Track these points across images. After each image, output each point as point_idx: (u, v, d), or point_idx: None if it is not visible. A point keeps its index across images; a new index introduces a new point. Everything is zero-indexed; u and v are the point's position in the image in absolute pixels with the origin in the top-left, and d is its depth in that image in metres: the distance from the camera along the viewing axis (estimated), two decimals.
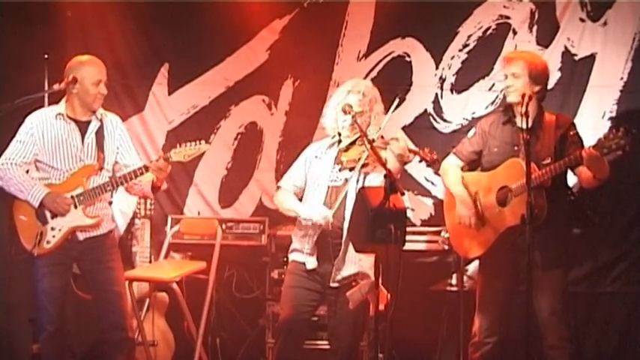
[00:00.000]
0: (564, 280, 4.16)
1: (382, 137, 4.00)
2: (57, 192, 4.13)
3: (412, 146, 3.94)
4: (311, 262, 4.07)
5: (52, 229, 4.13)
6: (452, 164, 4.34)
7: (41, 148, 4.17)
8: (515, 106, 4.12)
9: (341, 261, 4.03)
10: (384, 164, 3.73)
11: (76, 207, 4.13)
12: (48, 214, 4.13)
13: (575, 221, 4.22)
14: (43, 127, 4.19)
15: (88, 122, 4.24)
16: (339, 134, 4.14)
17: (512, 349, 4.25)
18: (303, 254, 4.10)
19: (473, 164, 4.33)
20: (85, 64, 4.20)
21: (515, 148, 4.11)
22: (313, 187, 4.14)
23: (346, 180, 4.05)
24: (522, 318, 3.89)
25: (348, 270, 4.03)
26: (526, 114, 3.88)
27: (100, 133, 4.23)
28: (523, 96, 3.96)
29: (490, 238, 4.15)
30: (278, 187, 4.28)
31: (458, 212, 4.22)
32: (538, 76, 4.10)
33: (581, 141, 4.09)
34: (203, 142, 4.14)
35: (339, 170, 4.10)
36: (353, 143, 4.10)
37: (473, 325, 4.31)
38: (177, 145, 4.10)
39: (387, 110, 4.06)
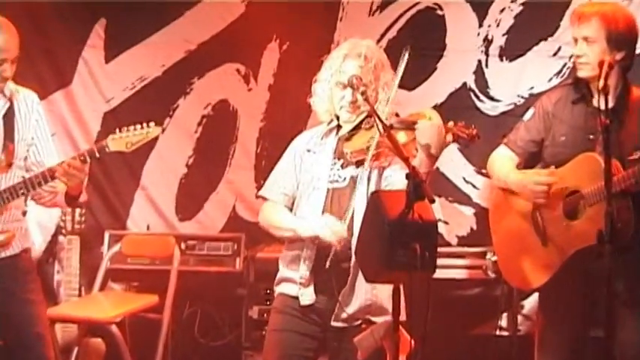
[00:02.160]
0: None
1: (397, 115, 3.98)
2: None
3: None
4: (307, 296, 4.06)
5: None
6: (503, 156, 4.34)
7: None
8: (591, 81, 4.12)
9: (348, 293, 4.02)
10: (406, 159, 3.71)
11: None
12: None
13: None
14: None
15: None
16: (337, 118, 4.13)
17: None
18: (295, 285, 4.10)
19: (531, 159, 4.32)
20: None
21: (591, 137, 4.10)
22: (307, 192, 4.12)
23: (353, 179, 4.04)
24: None
25: (357, 304, 4.04)
26: (605, 90, 3.86)
27: (9, 117, 4.20)
28: (601, 65, 3.95)
29: (555, 262, 4.14)
30: (262, 199, 4.26)
31: (528, 193, 4.20)
32: (621, 38, 4.09)
33: None
34: (152, 124, 4.12)
35: (342, 166, 4.07)
36: (357, 128, 4.08)
37: None
38: (117, 130, 4.08)
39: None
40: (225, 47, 5.70)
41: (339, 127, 4.13)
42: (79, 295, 5.38)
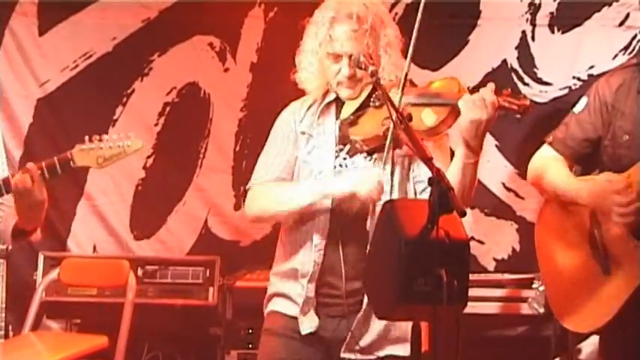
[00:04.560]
0: None
1: (413, 84, 3.99)
2: None
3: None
4: (308, 323, 4.10)
5: None
6: (552, 159, 4.36)
7: None
8: None
9: (364, 320, 4.07)
10: (429, 159, 3.73)
11: None
12: None
13: None
14: None
15: None
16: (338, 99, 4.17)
17: None
18: (293, 304, 4.13)
19: (585, 162, 4.35)
20: None
21: None
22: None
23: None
24: None
25: (373, 332, 4.10)
26: None
27: None
28: None
29: (620, 295, 4.18)
30: (247, 190, 4.28)
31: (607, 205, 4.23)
32: None
33: None
34: (132, 134, 4.08)
35: (349, 154, 4.11)
36: (364, 106, 4.10)
37: None
38: (86, 139, 4.05)
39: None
40: (194, 15, 5.75)
41: (337, 100, 4.15)
42: (6, 337, 5.41)
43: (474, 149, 3.86)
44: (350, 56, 3.97)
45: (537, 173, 4.38)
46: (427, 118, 3.82)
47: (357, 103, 4.07)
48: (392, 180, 4.04)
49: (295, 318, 4.08)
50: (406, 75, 3.84)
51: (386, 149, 3.95)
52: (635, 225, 4.13)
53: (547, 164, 4.36)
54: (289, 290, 4.11)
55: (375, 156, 4.01)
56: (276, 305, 4.15)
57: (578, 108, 4.30)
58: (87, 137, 3.99)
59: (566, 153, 4.31)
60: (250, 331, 5.05)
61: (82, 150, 4.03)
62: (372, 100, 4.03)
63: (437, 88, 3.95)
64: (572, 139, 4.31)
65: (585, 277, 4.26)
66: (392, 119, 3.87)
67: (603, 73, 4.89)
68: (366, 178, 3.93)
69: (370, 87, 4.02)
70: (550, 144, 4.35)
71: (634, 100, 4.15)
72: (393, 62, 4.01)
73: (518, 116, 3.83)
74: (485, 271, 5.46)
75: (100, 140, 4.03)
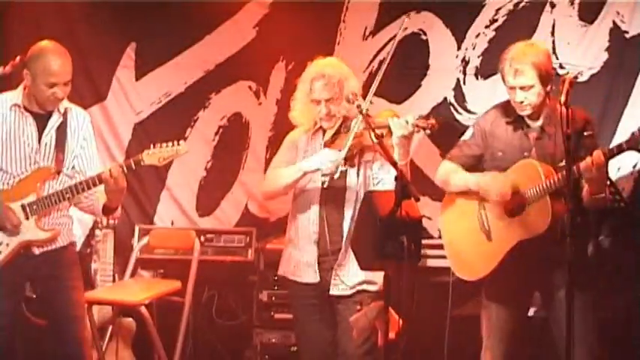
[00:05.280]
0: (593, 304, 4.13)
1: (369, 116, 4.01)
2: (6, 198, 4.09)
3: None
4: (314, 275, 4.21)
5: (0, 243, 4.11)
6: (451, 169, 4.32)
7: None
8: (530, 116, 4.15)
9: (346, 268, 4.15)
10: (395, 163, 3.73)
11: (27, 218, 4.10)
12: None
13: (604, 230, 4.25)
14: None
15: (49, 116, 4.16)
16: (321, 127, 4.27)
17: None
18: (302, 263, 4.21)
19: (471, 170, 4.30)
20: (45, 54, 4.04)
21: (526, 154, 4.11)
22: (304, 183, 4.22)
23: (342, 173, 4.16)
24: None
25: (352, 277, 4.16)
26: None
27: (61, 131, 4.16)
28: (571, 84, 3.90)
29: (497, 255, 4.14)
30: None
31: (489, 193, 4.17)
32: (548, 74, 4.10)
33: (595, 145, 4.02)
34: (182, 142, 4.11)
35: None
36: (338, 132, 4.19)
37: None
38: (151, 146, 4.07)
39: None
40: (239, 67, 5.71)
41: (321, 128, 4.22)
42: (113, 281, 5.40)
43: (403, 155, 3.97)
44: (327, 100, 4.10)
45: (444, 178, 4.36)
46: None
47: (333, 130, 4.20)
48: (358, 176, 4.17)
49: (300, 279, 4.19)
50: (367, 109, 3.95)
51: (344, 151, 4.04)
52: (509, 206, 4.12)
53: (450, 171, 4.33)
54: (297, 251, 4.17)
55: (348, 164, 4.14)
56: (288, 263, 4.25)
57: (466, 136, 4.33)
58: (152, 144, 4.07)
59: (460, 164, 4.29)
60: (275, 277, 5.01)
61: (148, 154, 4.10)
62: (342, 128, 4.17)
63: (381, 116, 4.01)
64: (464, 156, 4.31)
65: (473, 243, 4.25)
66: (371, 138, 3.91)
67: None
68: (324, 158, 4.06)
69: (340, 120, 4.17)
70: (450, 159, 4.34)
71: (504, 128, 4.17)
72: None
73: (429, 132, 3.92)
74: (432, 238, 5.40)
75: (160, 146, 4.08)
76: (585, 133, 4.09)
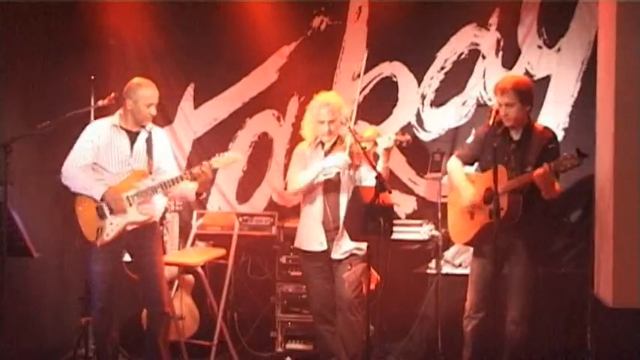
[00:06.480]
0: (535, 267, 4.17)
1: (356, 133, 4.04)
2: (115, 191, 4.19)
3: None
4: (320, 245, 4.26)
5: (111, 223, 4.20)
6: (456, 166, 4.37)
7: (97, 153, 4.24)
8: (510, 127, 4.16)
9: (342, 240, 4.18)
10: (374, 167, 3.76)
11: (130, 205, 4.21)
12: (107, 211, 4.19)
13: (549, 219, 4.31)
14: (100, 135, 4.26)
15: (138, 133, 4.31)
16: (322, 142, 4.29)
17: (501, 324, 4.17)
18: (311, 237, 4.26)
19: (471, 164, 4.39)
20: (142, 86, 4.25)
21: (506, 158, 4.13)
22: (315, 181, 4.27)
23: (337, 173, 4.18)
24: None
25: (346, 245, 4.19)
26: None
27: (149, 142, 4.29)
28: (497, 113, 3.95)
29: (475, 228, 4.21)
30: (286, 182, 4.38)
31: (463, 196, 4.24)
32: (528, 97, 4.10)
33: (557, 155, 4.01)
34: (239, 152, 4.29)
35: None
36: (335, 144, 4.23)
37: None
38: (217, 154, 4.16)
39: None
40: (266, 100, 5.69)
41: (321, 142, 4.23)
42: (179, 249, 5.42)
43: (385, 162, 4.03)
44: (329, 121, 4.11)
45: (449, 170, 4.39)
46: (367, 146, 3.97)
47: (330, 143, 4.25)
48: (350, 175, 4.22)
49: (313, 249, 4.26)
50: (354, 128, 4.05)
51: (346, 152, 4.12)
52: (487, 197, 4.13)
53: (455, 168, 4.35)
54: (308, 229, 4.17)
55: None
56: (301, 237, 4.32)
57: (468, 140, 4.36)
58: (217, 153, 4.15)
59: (463, 160, 4.33)
60: (291, 247, 4.98)
61: (216, 160, 4.13)
62: (337, 142, 4.25)
63: (368, 132, 4.05)
64: (465, 155, 4.34)
65: (462, 219, 4.30)
66: (359, 149, 3.93)
67: (456, 127, 5.10)
68: (339, 159, 4.12)
69: (336, 136, 4.24)
70: (457, 157, 4.37)
71: (493, 138, 4.04)
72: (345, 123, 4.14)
73: (405, 145, 3.93)
74: (400, 219, 5.40)
75: (223, 155, 4.14)
76: (550, 146, 4.08)
